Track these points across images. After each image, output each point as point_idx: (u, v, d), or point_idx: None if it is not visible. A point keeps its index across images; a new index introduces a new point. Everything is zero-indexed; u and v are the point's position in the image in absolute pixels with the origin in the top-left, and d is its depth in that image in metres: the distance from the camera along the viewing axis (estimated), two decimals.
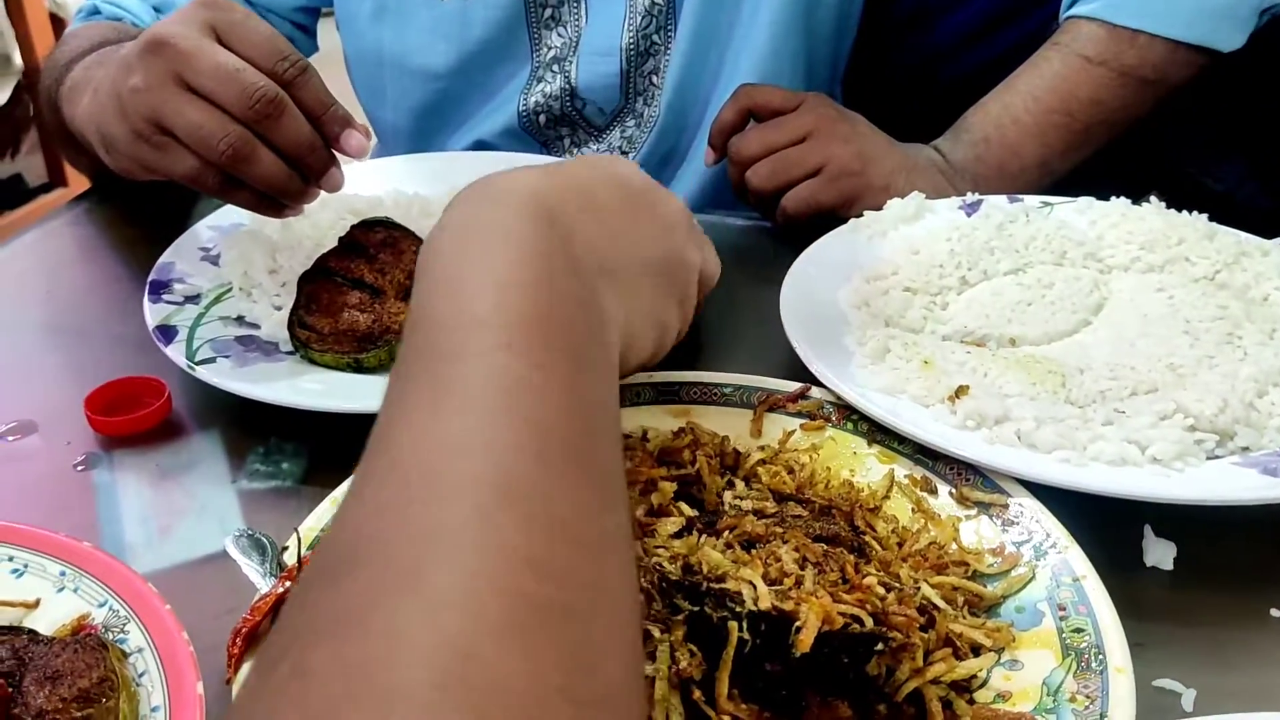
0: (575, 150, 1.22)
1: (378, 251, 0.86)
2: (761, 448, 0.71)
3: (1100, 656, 0.54)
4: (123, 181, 0.95)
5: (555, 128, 1.21)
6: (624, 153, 1.20)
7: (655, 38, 1.15)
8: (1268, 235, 0.90)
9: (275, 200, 0.83)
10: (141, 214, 1.12)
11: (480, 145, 1.22)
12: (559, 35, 1.17)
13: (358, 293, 0.82)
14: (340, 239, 0.88)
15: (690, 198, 1.17)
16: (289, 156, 0.80)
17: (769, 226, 1.04)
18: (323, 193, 0.83)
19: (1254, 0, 0.99)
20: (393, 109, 1.25)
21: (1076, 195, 0.97)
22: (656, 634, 0.50)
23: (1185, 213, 0.93)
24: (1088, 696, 0.52)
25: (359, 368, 0.79)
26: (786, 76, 1.15)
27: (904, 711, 0.52)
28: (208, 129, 0.77)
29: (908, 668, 0.52)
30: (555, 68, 1.17)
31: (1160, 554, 0.65)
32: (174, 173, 0.81)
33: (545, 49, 1.17)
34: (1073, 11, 1.04)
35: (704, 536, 0.58)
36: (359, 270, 0.84)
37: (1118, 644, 0.54)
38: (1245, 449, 0.69)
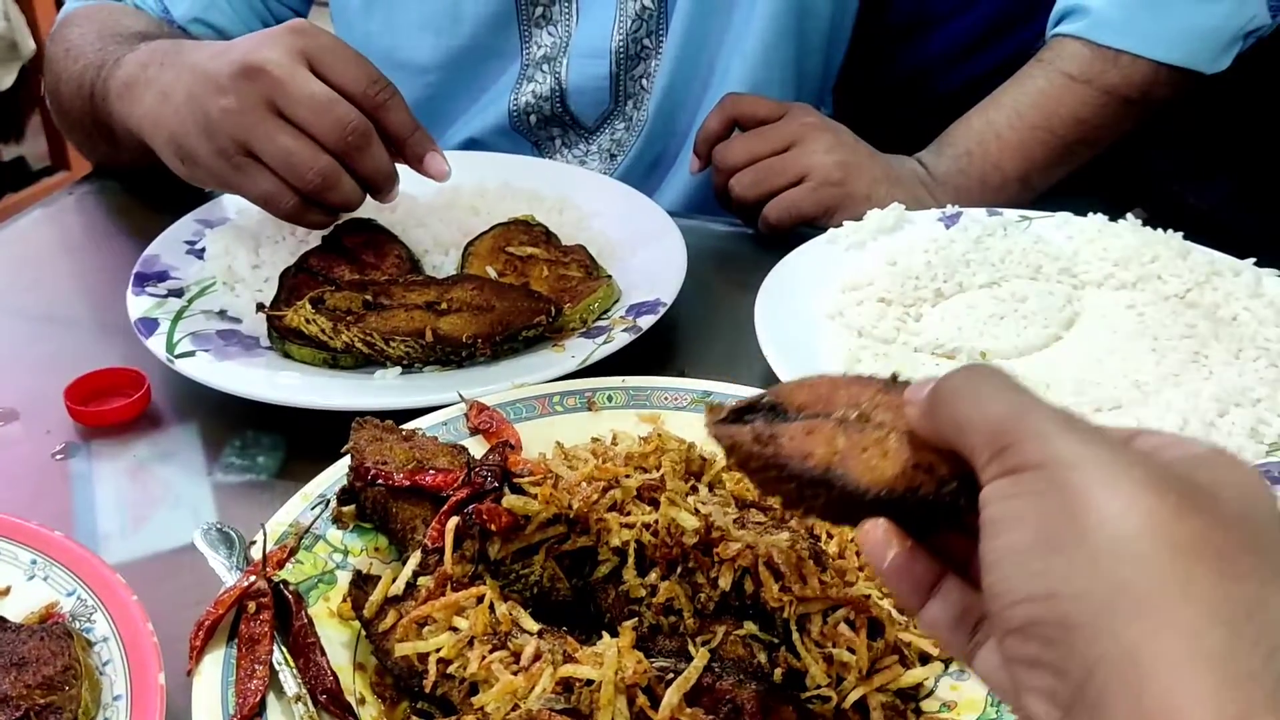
0: (566, 150, 1.23)
1: (360, 252, 0.87)
2: None
3: None
4: (127, 169, 1.00)
5: (546, 128, 1.22)
6: (612, 156, 1.21)
7: (646, 41, 1.16)
8: (1251, 255, 0.91)
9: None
10: (137, 204, 1.13)
11: (472, 143, 1.23)
12: (549, 34, 1.18)
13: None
14: (324, 238, 0.90)
15: (676, 203, 1.18)
16: (370, 183, 0.84)
17: (751, 232, 1.05)
18: None
19: (1236, 24, 1.00)
20: None
21: (1061, 210, 0.98)
22: (606, 639, 0.51)
23: (1161, 231, 0.94)
24: None
25: (335, 365, 0.80)
26: (776, 85, 1.16)
27: (849, 719, 0.54)
28: (299, 158, 0.80)
29: (853, 677, 0.53)
30: (545, 67, 1.18)
31: None
32: (250, 192, 0.84)
33: (535, 47, 1.18)
34: (1058, 30, 1.05)
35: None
36: (340, 270, 0.86)
37: None
38: None
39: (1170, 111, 1.08)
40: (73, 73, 1.05)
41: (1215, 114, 1.18)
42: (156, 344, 0.81)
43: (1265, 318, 0.83)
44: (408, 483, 0.63)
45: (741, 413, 0.45)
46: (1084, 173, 1.11)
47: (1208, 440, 0.67)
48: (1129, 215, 0.96)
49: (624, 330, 0.83)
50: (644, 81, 1.18)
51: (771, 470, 0.42)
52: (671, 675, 0.50)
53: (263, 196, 0.83)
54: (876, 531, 0.41)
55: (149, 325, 0.83)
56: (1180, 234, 0.93)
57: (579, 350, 0.81)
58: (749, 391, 0.76)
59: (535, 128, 1.21)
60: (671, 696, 0.49)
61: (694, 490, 0.67)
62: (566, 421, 0.74)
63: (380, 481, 0.63)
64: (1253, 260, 0.90)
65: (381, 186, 0.85)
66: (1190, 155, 1.26)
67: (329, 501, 0.65)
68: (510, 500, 0.60)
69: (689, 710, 0.49)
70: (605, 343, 0.81)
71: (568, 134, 1.22)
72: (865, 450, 0.41)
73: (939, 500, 0.39)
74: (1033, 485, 0.34)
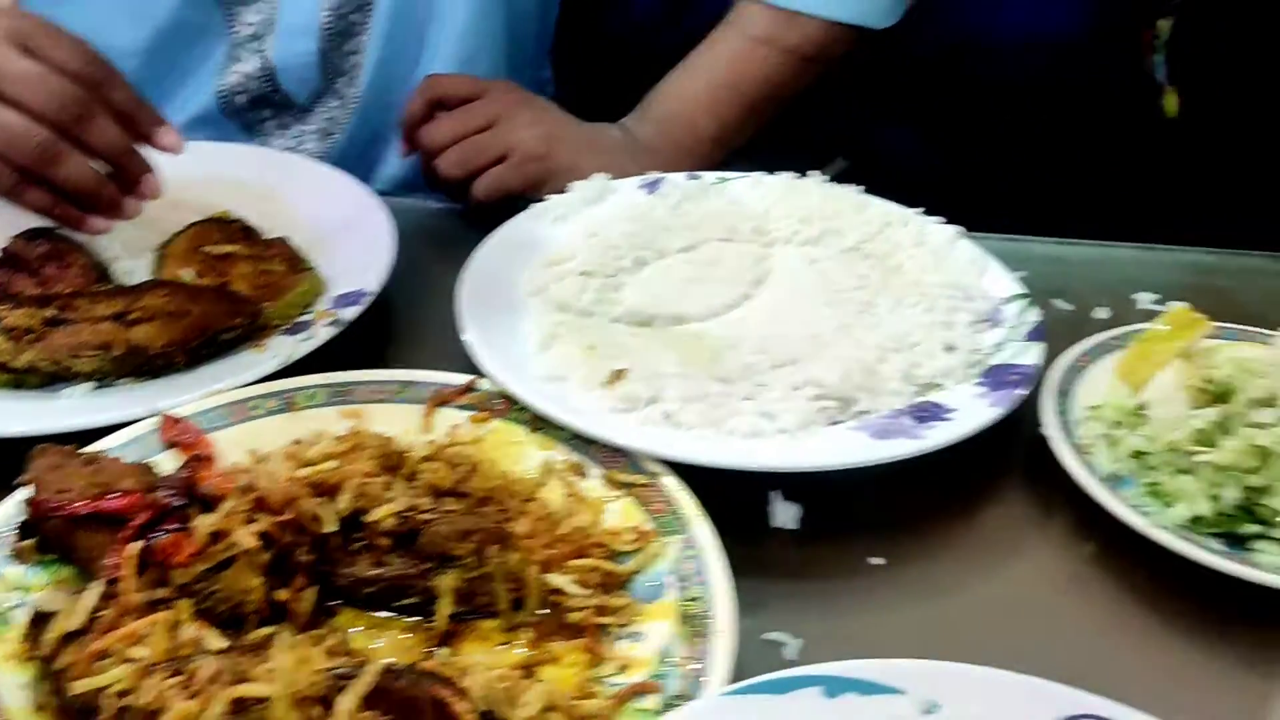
0: (281, 131, 1.20)
1: (40, 265, 0.84)
2: (431, 443, 0.74)
3: (709, 622, 0.60)
4: None
5: (257, 109, 1.18)
6: (328, 134, 1.19)
7: (354, 17, 1.14)
8: (944, 198, 0.97)
9: (79, 208, 0.84)
10: None
11: (181, 131, 1.18)
12: (256, 12, 1.15)
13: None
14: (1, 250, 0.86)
15: (397, 178, 1.18)
16: (104, 159, 0.83)
17: (463, 209, 1.06)
18: None
19: None
20: None
21: (774, 168, 1.02)
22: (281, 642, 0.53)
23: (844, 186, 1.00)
24: (694, 659, 0.59)
25: (20, 385, 0.77)
26: (488, 54, 1.16)
27: None
28: (14, 131, 0.79)
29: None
30: (253, 46, 1.15)
31: (786, 515, 0.72)
32: None
33: (242, 26, 1.15)
34: None
35: None
36: (20, 285, 0.82)
37: (724, 609, 0.60)
38: (865, 413, 0.76)
39: (859, 68, 1.15)
40: None
41: (898, 64, 1.26)
42: None
43: (926, 264, 0.91)
44: (88, 510, 0.62)
45: None
46: (788, 127, 1.17)
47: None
48: (825, 167, 1.03)
49: (327, 324, 0.83)
50: (355, 58, 1.16)
51: None
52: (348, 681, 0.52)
53: None
54: None
55: None
56: (861, 187, 0.99)
57: (280, 349, 0.80)
58: (450, 377, 0.78)
59: (245, 109, 1.18)
60: (344, 703, 0.51)
61: (389, 486, 0.69)
62: (266, 425, 0.74)
63: (59, 512, 0.62)
64: (921, 209, 0.97)
65: (119, 160, 0.84)
66: (884, 104, 1.34)
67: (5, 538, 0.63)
68: (200, 522, 0.60)
69: (364, 714, 0.51)
70: (306, 339, 0.81)
71: (280, 115, 1.19)
72: None
73: None
74: None
